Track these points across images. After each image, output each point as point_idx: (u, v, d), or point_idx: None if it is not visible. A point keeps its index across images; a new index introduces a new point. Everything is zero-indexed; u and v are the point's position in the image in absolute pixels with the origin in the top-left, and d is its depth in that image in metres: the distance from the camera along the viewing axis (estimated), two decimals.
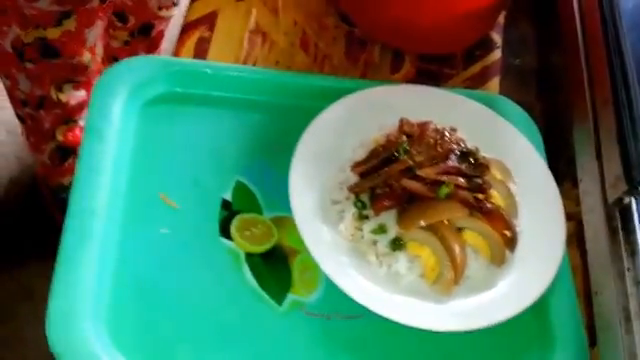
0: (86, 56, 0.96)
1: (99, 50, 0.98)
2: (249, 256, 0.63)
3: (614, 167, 0.64)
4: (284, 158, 0.66)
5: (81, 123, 1.09)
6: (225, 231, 0.64)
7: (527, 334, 0.63)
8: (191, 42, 0.76)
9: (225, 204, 0.66)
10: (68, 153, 1.13)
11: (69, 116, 1.06)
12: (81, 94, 1.03)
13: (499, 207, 0.65)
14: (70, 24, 0.88)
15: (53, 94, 1.00)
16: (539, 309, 0.63)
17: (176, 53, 0.75)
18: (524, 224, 0.67)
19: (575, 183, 0.73)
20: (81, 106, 1.06)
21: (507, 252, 0.64)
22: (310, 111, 0.69)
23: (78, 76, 0.99)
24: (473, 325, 0.60)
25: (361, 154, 0.68)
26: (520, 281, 0.63)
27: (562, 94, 0.79)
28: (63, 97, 1.01)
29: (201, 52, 0.75)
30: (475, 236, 0.64)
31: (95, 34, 0.93)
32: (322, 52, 0.81)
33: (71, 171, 1.14)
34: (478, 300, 0.62)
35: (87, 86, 1.03)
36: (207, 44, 0.76)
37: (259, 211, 0.66)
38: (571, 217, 0.69)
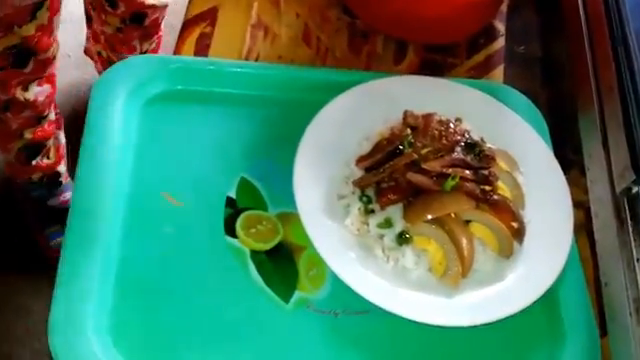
0: (53, 47, 0.94)
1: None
2: (255, 254, 0.61)
3: (621, 156, 0.62)
4: (288, 153, 0.64)
5: (51, 117, 1.07)
6: (230, 229, 0.62)
7: (537, 327, 0.61)
8: (192, 38, 0.74)
9: (230, 202, 0.64)
10: (36, 150, 1.10)
11: (40, 114, 1.03)
12: (46, 88, 1.01)
13: (506, 198, 0.62)
14: (43, 15, 0.86)
15: (19, 95, 0.97)
16: (548, 301, 0.60)
17: (177, 50, 0.73)
18: (531, 215, 0.65)
19: (583, 171, 0.71)
20: (49, 100, 1.03)
21: (515, 244, 0.62)
22: (313, 105, 0.67)
23: (45, 71, 0.97)
24: (482, 319, 0.58)
25: (366, 148, 0.65)
26: (529, 273, 0.61)
27: (566, 82, 0.76)
28: (30, 95, 0.98)
29: (203, 48, 0.73)
30: (482, 228, 0.61)
31: (58, 20, 0.91)
32: (325, 45, 0.79)
33: (40, 168, 1.12)
34: (486, 293, 0.60)
35: (51, 78, 1.01)
36: (209, 40, 0.74)
37: (264, 208, 0.64)
38: (579, 205, 0.67)
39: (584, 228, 0.68)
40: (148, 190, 0.63)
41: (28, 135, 1.05)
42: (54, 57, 0.97)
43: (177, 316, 0.57)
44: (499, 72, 0.80)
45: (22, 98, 0.97)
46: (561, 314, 0.61)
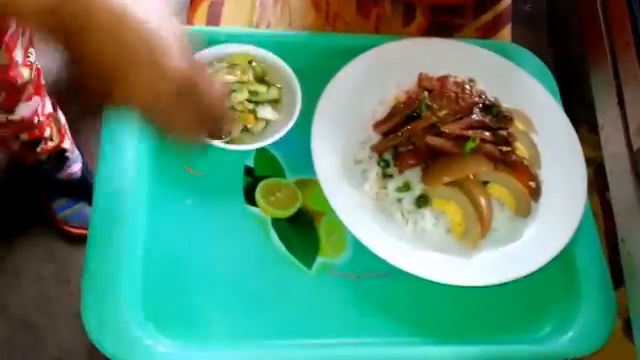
0: (25, 72, 0.86)
1: (32, 57, 0.88)
2: (275, 221, 0.59)
3: (638, 113, 0.59)
4: (303, 120, 0.61)
5: (42, 117, 0.99)
6: (250, 198, 0.60)
7: (553, 283, 0.59)
8: (203, 8, 0.70)
9: (248, 171, 0.61)
10: (37, 142, 1.04)
11: (29, 122, 0.97)
12: (32, 103, 0.93)
13: (523, 159, 0.60)
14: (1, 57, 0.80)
15: (3, 118, 0.91)
16: (564, 258, 0.59)
17: (189, 21, 0.69)
18: (546, 174, 0.62)
19: (592, 129, 0.68)
20: (36, 111, 0.96)
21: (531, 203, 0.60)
22: (326, 71, 0.64)
23: (25, 93, 0.89)
24: (501, 278, 0.56)
25: (381, 112, 0.62)
26: (545, 231, 0.59)
27: (575, 38, 0.73)
28: (16, 116, 0.92)
29: (214, 17, 0.69)
30: (500, 188, 0.59)
31: (25, 42, 0.84)
32: (333, 9, 0.75)
33: (46, 150, 1.07)
34: (504, 253, 0.58)
35: (38, 90, 0.93)
36: (219, 8, 0.70)
37: (282, 175, 0.61)
38: (589, 163, 0.65)
39: (594, 185, 0.66)
40: (169, 164, 0.60)
41: (24, 137, 1.00)
42: (29, 81, 0.88)
43: (204, 285, 0.55)
44: (507, 31, 0.77)
45: (5, 119, 0.91)
46: (577, 270, 0.59)
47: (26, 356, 1.11)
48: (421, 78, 0.62)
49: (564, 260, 0.59)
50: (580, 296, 0.58)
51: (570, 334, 0.56)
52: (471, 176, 0.57)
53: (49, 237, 1.20)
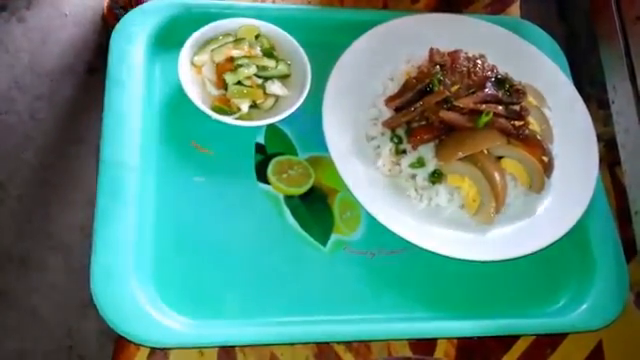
0: None
1: None
2: (288, 198, 0.59)
3: None
4: (314, 97, 0.60)
5: None
6: (262, 175, 0.59)
7: (567, 257, 0.60)
8: None
9: (259, 148, 0.61)
10: None
11: None
12: None
13: (536, 133, 0.60)
14: None
15: None
16: (578, 232, 0.59)
17: None
18: (557, 149, 0.62)
19: (600, 104, 0.68)
20: None
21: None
22: (334, 47, 0.63)
23: None
24: (515, 253, 0.56)
25: (392, 88, 0.62)
26: (558, 206, 0.60)
27: (584, 14, 0.72)
28: None
29: None
30: (513, 164, 0.59)
31: None
32: None
33: None
34: (518, 227, 0.59)
35: None
36: None
37: (294, 152, 0.61)
38: (599, 138, 0.65)
39: (604, 160, 0.66)
40: (177, 140, 0.60)
41: None
42: None
43: (217, 263, 0.55)
44: (515, 7, 0.76)
45: None
46: (590, 244, 0.60)
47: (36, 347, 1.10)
48: (432, 53, 0.62)
49: (577, 234, 0.59)
50: (594, 269, 0.58)
51: (584, 306, 0.56)
52: (485, 151, 0.57)
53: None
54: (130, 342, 0.51)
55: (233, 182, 0.59)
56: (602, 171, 0.65)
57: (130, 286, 0.51)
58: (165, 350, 0.52)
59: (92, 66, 1.32)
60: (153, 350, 0.52)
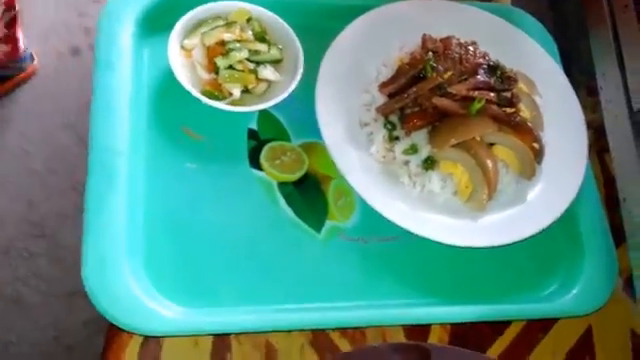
0: None
1: None
2: (282, 185, 0.58)
3: (637, 74, 0.60)
4: (306, 82, 0.60)
5: None
6: (255, 161, 0.59)
7: (558, 244, 0.61)
8: None
9: (252, 134, 0.60)
10: None
11: None
12: None
13: (527, 120, 0.60)
14: None
15: None
16: (567, 218, 0.60)
17: None
18: (547, 136, 0.63)
19: (590, 91, 0.69)
20: None
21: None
22: (326, 32, 0.62)
23: None
24: (507, 239, 0.57)
25: (385, 74, 0.62)
26: (548, 193, 0.60)
27: (573, 2, 0.73)
28: None
29: None
30: (504, 150, 0.59)
31: None
32: None
33: None
34: (510, 214, 0.59)
35: None
36: None
37: (287, 139, 0.60)
38: (588, 125, 0.66)
39: (593, 147, 0.67)
40: (167, 125, 0.59)
41: None
42: None
43: (210, 250, 0.54)
44: None
45: None
46: (580, 230, 0.61)
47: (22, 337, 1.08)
48: (425, 39, 0.62)
49: (567, 221, 0.60)
50: (583, 255, 0.59)
51: (575, 291, 0.57)
52: (477, 138, 0.58)
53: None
54: (122, 331, 0.50)
55: (225, 168, 0.58)
56: (591, 158, 0.66)
57: (122, 274, 0.51)
58: (158, 339, 0.52)
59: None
60: (146, 339, 0.51)
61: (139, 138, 0.57)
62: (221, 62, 0.59)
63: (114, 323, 0.50)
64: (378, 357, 0.49)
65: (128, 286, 0.50)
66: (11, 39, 1.16)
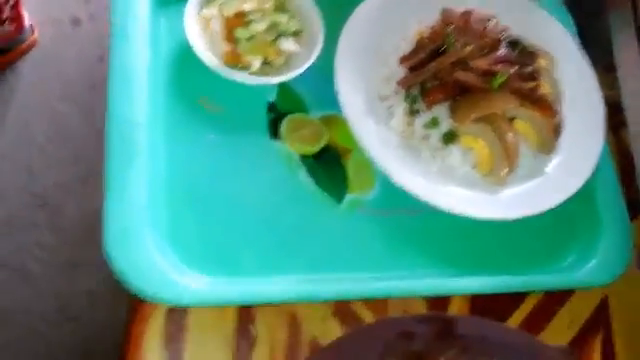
0: None
1: None
2: (302, 157, 0.58)
3: None
4: (326, 54, 0.59)
5: None
6: (274, 134, 0.58)
7: (575, 216, 0.61)
8: None
9: (271, 106, 0.60)
10: None
11: None
12: None
13: (547, 95, 0.60)
14: None
15: None
16: (585, 192, 0.60)
17: None
18: (565, 111, 0.63)
19: (606, 69, 0.69)
20: None
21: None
22: (347, 3, 0.62)
23: None
24: (526, 212, 0.57)
25: (405, 48, 0.61)
26: (567, 167, 0.61)
27: None
28: None
29: None
30: (523, 125, 0.60)
31: None
32: None
33: None
34: (528, 187, 0.60)
35: None
36: None
37: (306, 111, 0.60)
38: (604, 102, 0.66)
39: (609, 123, 0.67)
40: (185, 96, 0.58)
41: None
42: None
43: (232, 220, 0.54)
44: None
45: None
46: (597, 202, 0.61)
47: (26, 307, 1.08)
48: (445, 13, 0.61)
49: (584, 194, 0.60)
50: (600, 227, 0.60)
51: (592, 263, 0.58)
52: (499, 112, 0.58)
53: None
54: (145, 302, 0.51)
55: (245, 140, 0.58)
56: (607, 133, 0.66)
57: (145, 244, 0.51)
58: (182, 309, 0.52)
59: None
60: (170, 310, 0.52)
61: (157, 109, 0.56)
62: (241, 33, 0.58)
63: (138, 294, 0.50)
64: (403, 327, 0.50)
65: (151, 257, 0.50)
66: (16, 18, 1.15)
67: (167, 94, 0.58)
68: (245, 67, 0.58)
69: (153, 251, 0.51)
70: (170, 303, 0.50)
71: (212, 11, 0.59)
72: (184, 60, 0.59)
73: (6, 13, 1.13)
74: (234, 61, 0.59)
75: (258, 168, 0.57)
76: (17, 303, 1.09)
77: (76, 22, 1.29)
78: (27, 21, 1.18)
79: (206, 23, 0.59)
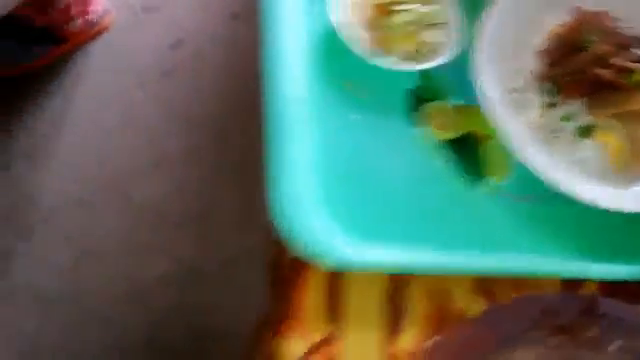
0: None
1: None
2: (440, 143, 0.61)
3: None
4: (466, 44, 0.62)
5: None
6: (413, 119, 0.61)
7: None
8: None
9: (411, 93, 0.62)
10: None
11: None
12: None
13: None
14: None
15: None
16: None
17: None
18: None
19: None
20: None
21: None
22: None
23: None
24: None
25: (541, 42, 0.64)
26: None
27: None
28: None
29: None
30: None
31: None
32: None
33: None
34: None
35: None
36: None
37: (445, 98, 0.63)
38: None
39: None
40: (331, 78, 0.60)
41: None
42: None
43: (378, 195, 0.57)
44: None
45: None
46: None
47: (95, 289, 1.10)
48: (580, 11, 0.64)
49: None
50: None
51: None
52: (636, 109, 0.60)
53: None
54: (304, 268, 0.53)
55: (386, 124, 0.60)
56: None
57: (305, 213, 0.53)
58: (338, 274, 0.54)
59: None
60: (327, 274, 0.54)
61: (306, 89, 0.59)
62: (387, 22, 0.61)
63: (301, 256, 0.53)
64: (546, 304, 0.52)
65: (313, 223, 0.53)
66: (84, 12, 1.17)
67: (315, 75, 0.60)
68: (389, 53, 0.61)
69: (313, 218, 0.53)
70: (329, 266, 0.53)
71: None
72: (330, 44, 0.61)
73: (75, 9, 1.15)
74: (379, 47, 0.61)
75: (398, 151, 0.59)
76: (87, 284, 1.10)
77: (148, 10, 1.31)
78: (100, 7, 1.20)
79: (353, 8, 0.62)
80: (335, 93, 0.60)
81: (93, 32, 1.24)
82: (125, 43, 1.27)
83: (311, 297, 0.54)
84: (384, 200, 0.57)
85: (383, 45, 0.61)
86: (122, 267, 1.12)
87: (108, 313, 1.10)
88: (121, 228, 1.14)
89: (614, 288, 0.59)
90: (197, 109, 1.25)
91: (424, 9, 0.62)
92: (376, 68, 0.60)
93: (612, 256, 0.59)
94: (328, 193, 0.55)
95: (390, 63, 0.60)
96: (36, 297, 1.09)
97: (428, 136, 0.60)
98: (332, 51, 0.61)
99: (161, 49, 1.28)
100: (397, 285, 0.56)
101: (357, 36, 0.61)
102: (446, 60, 0.61)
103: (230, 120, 1.26)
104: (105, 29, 1.25)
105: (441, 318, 0.55)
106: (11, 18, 1.15)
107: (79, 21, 1.18)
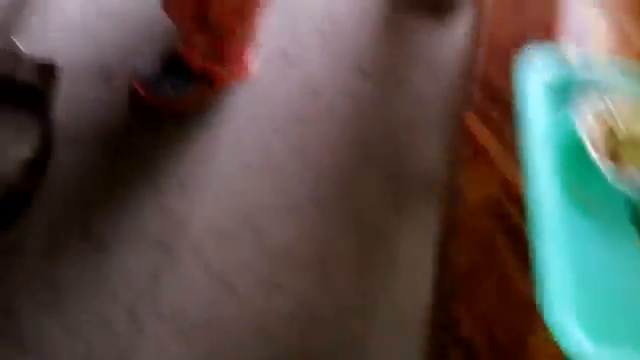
0: None
1: None
2: None
3: None
4: None
5: None
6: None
7: None
8: None
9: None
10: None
11: None
12: None
13: None
14: None
15: None
16: None
17: None
18: None
19: None
20: None
21: None
22: None
23: None
24: None
25: None
26: None
27: None
28: None
29: None
30: None
31: None
32: None
33: None
34: None
35: None
36: None
37: None
38: None
39: None
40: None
41: None
42: None
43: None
44: None
45: None
46: None
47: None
48: None
49: None
50: None
51: None
52: None
53: None
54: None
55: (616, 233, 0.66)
56: None
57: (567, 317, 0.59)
58: None
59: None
60: None
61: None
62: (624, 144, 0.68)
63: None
64: None
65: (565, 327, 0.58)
66: (239, 60, 1.26)
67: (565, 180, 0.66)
68: (621, 168, 0.68)
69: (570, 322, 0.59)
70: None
71: (603, 114, 0.69)
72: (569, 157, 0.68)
73: (229, 57, 1.23)
74: (613, 159, 0.68)
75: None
76: (224, 315, 1.15)
77: (290, 65, 1.40)
78: (251, 57, 1.28)
79: (596, 120, 0.69)
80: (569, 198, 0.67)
81: (242, 78, 1.31)
82: (266, 88, 1.35)
83: None
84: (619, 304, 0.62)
85: (619, 160, 0.68)
86: (253, 302, 1.17)
87: (236, 344, 1.14)
88: (255, 264, 1.19)
89: None
90: (327, 159, 1.32)
91: None
92: (606, 177, 0.66)
93: None
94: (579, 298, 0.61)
95: (621, 177, 0.66)
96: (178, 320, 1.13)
97: None
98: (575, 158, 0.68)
99: (300, 98, 1.36)
100: None
101: (596, 143, 0.67)
102: None
103: (353, 170, 1.33)
104: (251, 77, 1.33)
105: None
106: (177, 56, 1.24)
107: (233, 67, 1.26)
